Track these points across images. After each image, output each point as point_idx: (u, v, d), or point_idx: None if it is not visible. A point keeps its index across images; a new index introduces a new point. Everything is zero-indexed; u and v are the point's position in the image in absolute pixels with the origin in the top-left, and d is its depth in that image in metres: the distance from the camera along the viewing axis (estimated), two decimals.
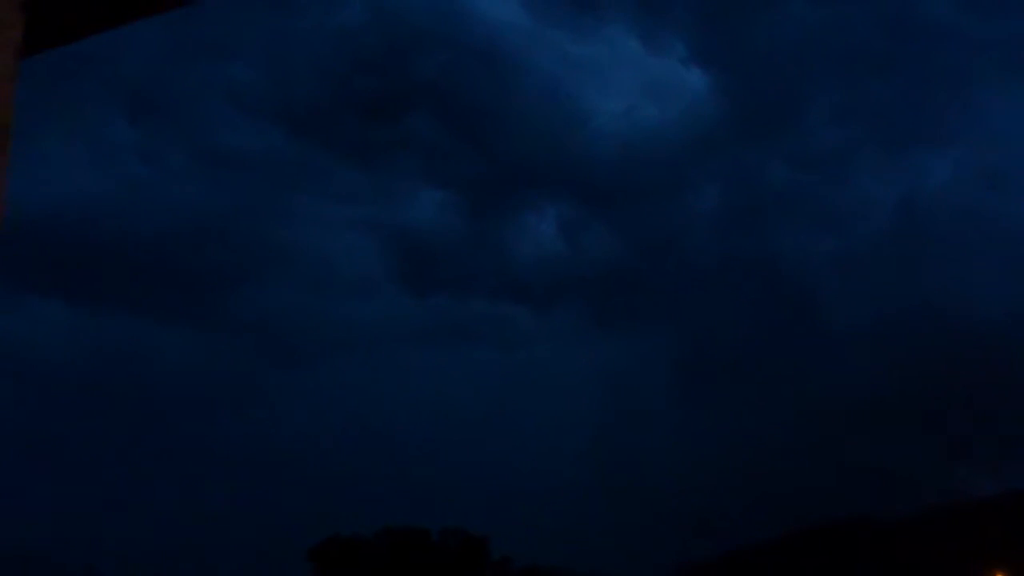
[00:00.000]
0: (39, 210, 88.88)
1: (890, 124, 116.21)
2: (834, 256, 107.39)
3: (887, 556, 57.09)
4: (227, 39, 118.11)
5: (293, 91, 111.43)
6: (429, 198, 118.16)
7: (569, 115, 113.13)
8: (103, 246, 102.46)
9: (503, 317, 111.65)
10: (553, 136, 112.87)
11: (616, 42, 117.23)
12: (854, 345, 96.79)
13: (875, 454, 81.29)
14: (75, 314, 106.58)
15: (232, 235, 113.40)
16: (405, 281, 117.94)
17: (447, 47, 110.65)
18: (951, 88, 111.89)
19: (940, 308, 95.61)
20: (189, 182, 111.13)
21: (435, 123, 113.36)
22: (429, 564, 59.89)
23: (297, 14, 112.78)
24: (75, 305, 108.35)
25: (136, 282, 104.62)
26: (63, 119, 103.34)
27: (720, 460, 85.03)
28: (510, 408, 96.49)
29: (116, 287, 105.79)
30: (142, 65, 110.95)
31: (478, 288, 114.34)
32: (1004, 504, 57.84)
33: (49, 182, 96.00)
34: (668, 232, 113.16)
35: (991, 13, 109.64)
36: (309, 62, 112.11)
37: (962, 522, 57.01)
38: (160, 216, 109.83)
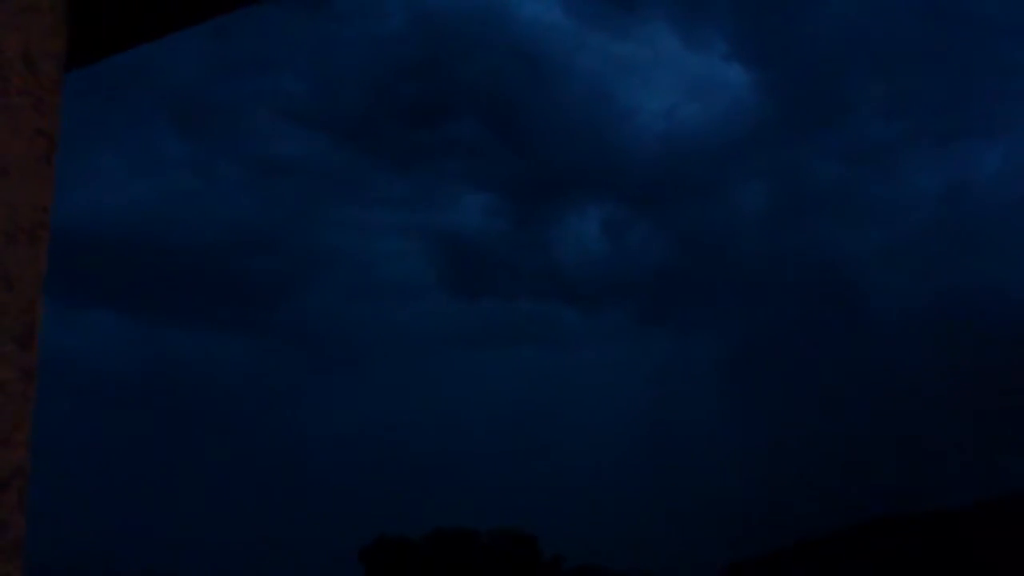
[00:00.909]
0: (89, 223, 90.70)
1: (937, 116, 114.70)
2: (883, 250, 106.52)
3: (939, 551, 56.52)
4: (271, 50, 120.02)
5: (337, 99, 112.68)
6: (473, 201, 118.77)
7: (611, 115, 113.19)
8: (153, 257, 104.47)
9: (550, 318, 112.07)
10: (596, 137, 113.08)
11: (657, 41, 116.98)
12: (903, 339, 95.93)
13: (924, 447, 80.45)
14: (126, 325, 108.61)
15: (280, 243, 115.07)
16: (451, 285, 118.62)
17: (488, 51, 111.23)
18: (998, 79, 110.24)
19: (989, 300, 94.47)
20: (236, 192, 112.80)
21: (477, 127, 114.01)
22: (479, 565, 60.28)
23: (340, 23, 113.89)
24: (126, 316, 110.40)
25: (185, 292, 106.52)
26: (113, 132, 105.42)
27: (769, 457, 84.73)
28: (558, 408, 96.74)
29: (165, 297, 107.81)
30: (189, 77, 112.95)
31: (524, 290, 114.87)
32: None
33: (99, 194, 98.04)
34: (713, 230, 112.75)
35: None
36: (353, 70, 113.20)
37: (1015, 513, 56.28)
38: (209, 226, 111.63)
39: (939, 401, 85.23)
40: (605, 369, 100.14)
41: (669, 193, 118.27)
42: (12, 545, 1.41)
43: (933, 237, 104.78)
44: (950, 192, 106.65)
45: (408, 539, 61.52)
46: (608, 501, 78.05)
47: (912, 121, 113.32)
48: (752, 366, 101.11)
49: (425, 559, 60.08)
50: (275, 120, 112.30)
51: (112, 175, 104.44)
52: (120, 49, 2.01)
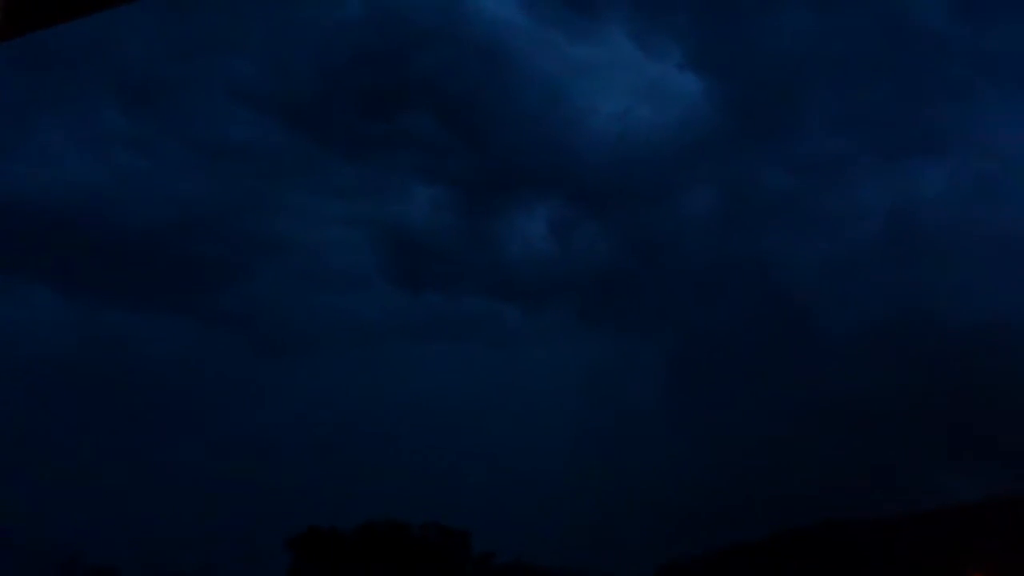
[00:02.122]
0: (28, 196, 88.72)
1: (885, 132, 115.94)
2: (827, 261, 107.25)
3: (871, 558, 56.97)
4: (224, 31, 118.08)
5: (291, 84, 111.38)
6: (422, 194, 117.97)
7: (565, 116, 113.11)
8: (93, 235, 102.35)
9: (493, 315, 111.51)
10: (548, 136, 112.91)
11: (613, 45, 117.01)
12: (845, 349, 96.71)
13: (862, 457, 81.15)
14: (62, 302, 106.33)
15: (224, 227, 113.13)
16: (396, 277, 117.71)
17: (445, 44, 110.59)
18: (947, 98, 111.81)
19: (931, 314, 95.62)
20: (183, 173, 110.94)
21: (431, 120, 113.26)
22: (409, 558, 59.70)
23: (296, 7, 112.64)
24: (62, 293, 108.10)
25: (125, 272, 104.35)
26: (56, 107, 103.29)
27: (707, 460, 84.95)
28: (497, 405, 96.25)
29: (105, 276, 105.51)
30: (139, 54, 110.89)
31: (469, 285, 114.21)
32: (988, 508, 57.78)
33: (39, 169, 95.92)
34: (660, 234, 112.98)
35: (986, 23, 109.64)
36: (308, 55, 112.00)
37: (946, 526, 56.93)
38: (153, 207, 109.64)
39: (878, 411, 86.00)
40: (546, 367, 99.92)
41: (618, 195, 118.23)
42: None
43: (878, 250, 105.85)
44: (896, 207, 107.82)
45: (338, 530, 60.77)
46: (543, 499, 77.78)
47: (861, 136, 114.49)
48: (694, 369, 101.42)
49: (354, 551, 59.36)
50: (226, 102, 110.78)
51: (54, 149, 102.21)
52: (57, 21, 1.91)
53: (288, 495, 75.71)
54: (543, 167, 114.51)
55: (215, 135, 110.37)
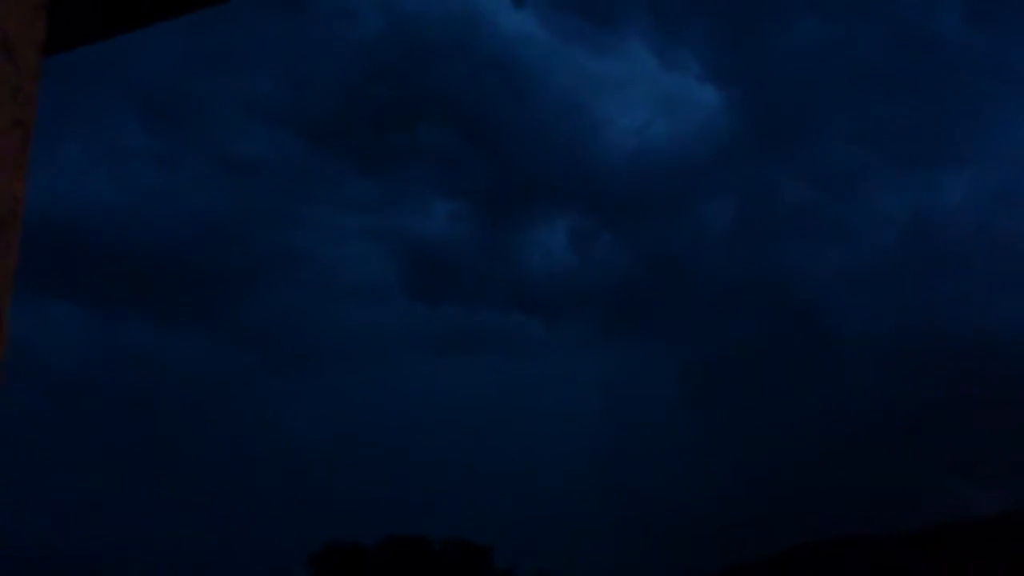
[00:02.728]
0: (49, 212, 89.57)
1: (903, 143, 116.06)
2: (844, 272, 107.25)
3: (888, 573, 56.85)
4: (243, 48, 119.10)
5: (309, 99, 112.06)
6: (441, 208, 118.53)
7: (583, 128, 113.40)
8: (114, 250, 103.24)
9: (513, 327, 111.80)
10: (566, 149, 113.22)
11: (632, 58, 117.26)
12: (861, 361, 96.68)
13: (880, 470, 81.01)
14: (84, 317, 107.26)
15: (244, 242, 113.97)
16: (416, 290, 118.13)
17: (462, 58, 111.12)
18: (964, 108, 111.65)
19: (948, 325, 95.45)
20: (202, 189, 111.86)
21: (449, 133, 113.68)
22: (431, 573, 59.85)
23: (316, 24, 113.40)
24: (84, 308, 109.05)
25: (146, 287, 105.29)
26: (78, 121, 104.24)
27: (725, 473, 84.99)
28: (517, 418, 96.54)
29: (127, 292, 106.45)
30: (159, 70, 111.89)
31: (488, 298, 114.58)
32: (1007, 522, 57.58)
33: (59, 183, 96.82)
34: (679, 246, 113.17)
35: (1003, 32, 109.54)
36: (326, 71, 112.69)
37: (964, 539, 56.76)
38: (172, 221, 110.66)
39: (896, 422, 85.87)
40: (566, 380, 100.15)
41: (637, 208, 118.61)
42: None
43: (896, 262, 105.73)
44: (914, 218, 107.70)
45: (359, 545, 61.03)
46: (564, 514, 77.98)
47: (878, 146, 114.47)
48: (713, 382, 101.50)
49: (376, 566, 59.60)
50: (244, 117, 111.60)
51: (74, 164, 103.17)
52: (97, 39, 1.90)
53: (308, 510, 76.21)
54: (562, 180, 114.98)
55: (234, 150, 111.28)
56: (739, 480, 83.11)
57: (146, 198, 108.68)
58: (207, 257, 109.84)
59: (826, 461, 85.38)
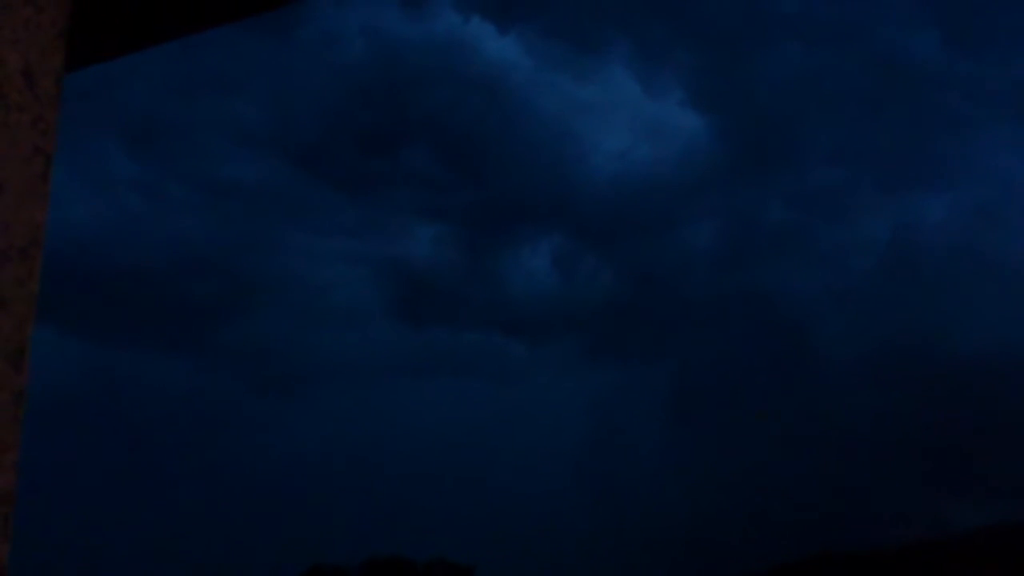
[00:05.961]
0: None
1: (884, 164, 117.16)
2: (828, 292, 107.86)
3: None
4: (229, 73, 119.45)
5: (292, 125, 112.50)
6: (425, 232, 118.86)
7: (566, 153, 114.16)
8: (98, 274, 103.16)
9: (497, 350, 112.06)
10: (550, 173, 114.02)
11: (615, 84, 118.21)
12: (845, 380, 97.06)
13: (864, 487, 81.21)
14: (69, 341, 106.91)
15: (228, 266, 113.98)
16: (399, 313, 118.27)
17: (446, 83, 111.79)
18: (944, 129, 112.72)
19: (932, 343, 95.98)
20: (186, 213, 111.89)
21: (432, 157, 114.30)
22: None
23: (301, 50, 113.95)
24: (68, 332, 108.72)
25: (130, 310, 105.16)
26: (62, 150, 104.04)
27: (709, 492, 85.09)
28: (501, 439, 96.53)
29: (110, 315, 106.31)
30: (142, 96, 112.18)
31: (472, 321, 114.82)
32: (990, 537, 57.78)
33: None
34: (662, 268, 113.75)
35: (981, 55, 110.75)
36: (309, 97, 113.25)
37: (946, 555, 56.95)
38: (156, 247, 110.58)
39: (881, 441, 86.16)
40: (550, 401, 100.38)
41: (620, 230, 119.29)
42: None
43: (879, 281, 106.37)
44: (895, 239, 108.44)
45: (342, 567, 60.80)
46: (548, 534, 77.90)
47: (860, 168, 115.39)
48: (697, 401, 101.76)
49: None
50: (229, 143, 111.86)
51: (60, 191, 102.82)
52: (109, 59, 1.97)
53: (291, 532, 75.94)
54: (546, 203, 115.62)
55: (219, 175, 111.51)
56: (723, 498, 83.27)
57: (130, 222, 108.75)
58: (192, 282, 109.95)
59: (809, 479, 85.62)
